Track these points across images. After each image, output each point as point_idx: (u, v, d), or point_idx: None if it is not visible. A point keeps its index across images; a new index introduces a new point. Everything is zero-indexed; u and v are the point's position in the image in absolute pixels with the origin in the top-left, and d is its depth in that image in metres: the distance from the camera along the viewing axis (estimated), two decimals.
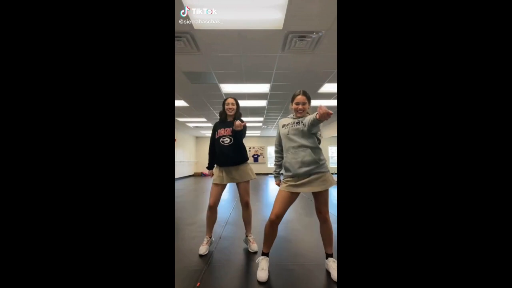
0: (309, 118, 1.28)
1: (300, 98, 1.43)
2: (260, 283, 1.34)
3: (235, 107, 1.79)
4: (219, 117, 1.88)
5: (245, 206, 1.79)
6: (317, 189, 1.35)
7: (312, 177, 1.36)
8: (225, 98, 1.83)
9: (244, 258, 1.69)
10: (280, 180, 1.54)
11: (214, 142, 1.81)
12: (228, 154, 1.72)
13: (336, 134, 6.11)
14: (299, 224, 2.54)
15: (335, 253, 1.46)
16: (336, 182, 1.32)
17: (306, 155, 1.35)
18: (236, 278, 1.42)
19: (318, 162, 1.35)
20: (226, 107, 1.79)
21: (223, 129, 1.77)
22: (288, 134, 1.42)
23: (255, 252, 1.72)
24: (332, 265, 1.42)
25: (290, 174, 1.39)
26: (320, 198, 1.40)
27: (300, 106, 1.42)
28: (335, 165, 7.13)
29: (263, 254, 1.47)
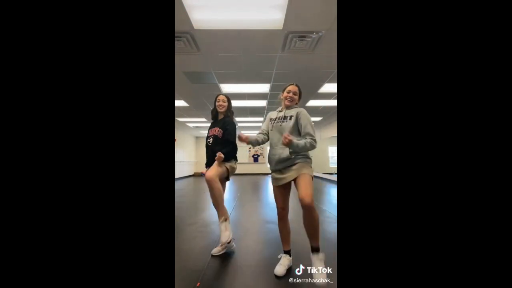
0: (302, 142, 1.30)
1: (292, 87, 1.45)
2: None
3: (225, 104, 1.77)
4: (211, 114, 1.88)
5: (207, 182, 1.60)
6: (292, 177, 1.34)
7: (291, 168, 1.37)
8: (216, 95, 1.83)
9: (244, 258, 1.69)
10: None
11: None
12: (210, 154, 1.73)
13: (336, 134, 6.11)
14: (300, 224, 2.53)
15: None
16: (312, 172, 1.34)
17: (283, 152, 1.38)
18: (236, 278, 1.42)
19: (290, 157, 1.35)
20: (217, 103, 1.78)
21: (211, 129, 1.79)
22: (272, 130, 1.47)
23: (228, 243, 1.62)
24: (316, 262, 1.24)
25: (271, 168, 1.48)
26: (298, 183, 1.29)
27: (291, 94, 1.44)
28: (335, 165, 7.13)
29: (285, 252, 1.50)
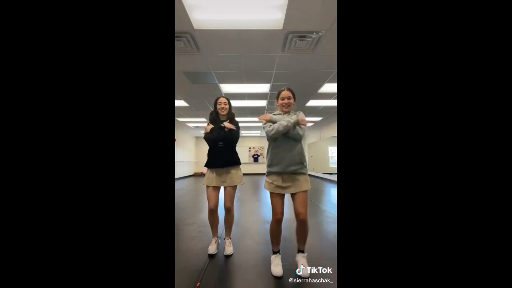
0: (294, 119, 1.39)
1: (285, 93, 1.48)
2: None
3: (227, 106, 1.76)
4: (209, 117, 1.83)
5: (227, 211, 1.77)
6: (300, 189, 1.41)
7: (296, 177, 1.42)
8: (216, 98, 1.79)
9: (244, 258, 1.69)
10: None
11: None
12: (221, 156, 1.71)
13: (336, 134, 6.10)
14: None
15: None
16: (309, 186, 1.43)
17: (296, 154, 1.41)
18: (236, 278, 1.42)
19: (303, 163, 1.43)
20: (218, 106, 1.75)
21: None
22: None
23: (230, 256, 1.71)
24: (301, 260, 1.46)
25: (276, 170, 1.44)
26: (297, 199, 1.41)
27: (286, 101, 1.46)
28: (335, 165, 7.13)
29: (274, 252, 1.53)
